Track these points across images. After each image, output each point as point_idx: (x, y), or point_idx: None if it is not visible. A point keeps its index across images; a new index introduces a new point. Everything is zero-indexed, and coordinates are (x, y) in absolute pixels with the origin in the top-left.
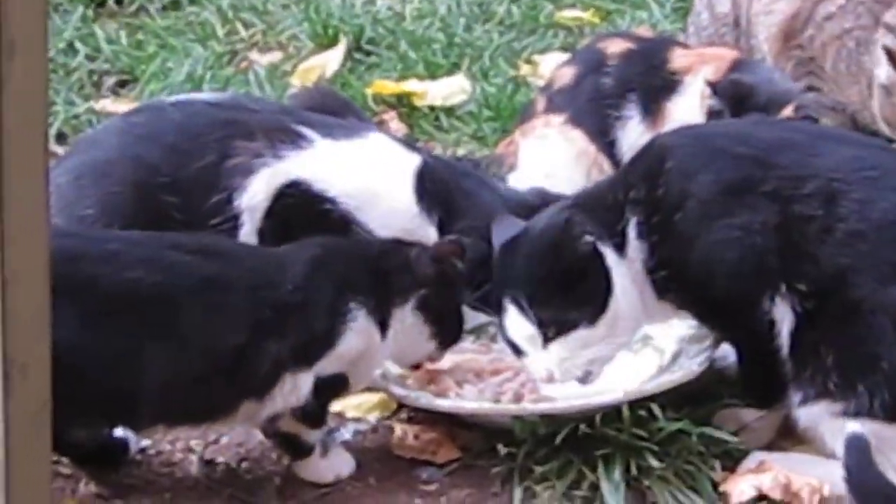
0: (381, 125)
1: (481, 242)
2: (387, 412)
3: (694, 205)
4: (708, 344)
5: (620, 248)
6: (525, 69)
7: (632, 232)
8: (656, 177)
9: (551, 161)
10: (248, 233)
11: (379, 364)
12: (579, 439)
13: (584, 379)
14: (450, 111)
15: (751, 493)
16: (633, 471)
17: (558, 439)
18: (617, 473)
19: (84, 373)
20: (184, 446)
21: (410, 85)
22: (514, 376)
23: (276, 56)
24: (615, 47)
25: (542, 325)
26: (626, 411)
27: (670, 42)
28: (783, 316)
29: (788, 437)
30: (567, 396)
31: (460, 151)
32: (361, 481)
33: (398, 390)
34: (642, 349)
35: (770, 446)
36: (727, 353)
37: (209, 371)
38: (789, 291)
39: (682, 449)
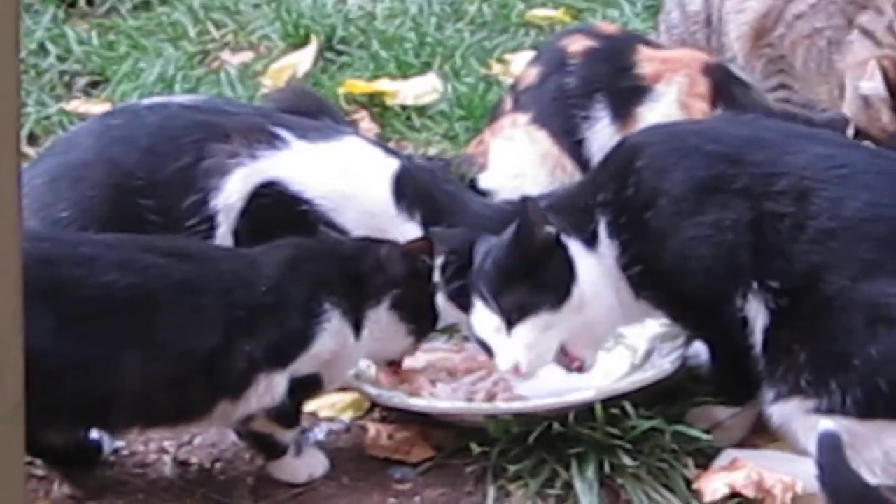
0: (353, 124)
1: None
2: (360, 412)
3: (665, 203)
4: (680, 342)
5: (590, 243)
6: (496, 68)
7: (602, 231)
8: (626, 176)
9: (519, 161)
10: (224, 233)
11: (353, 364)
12: (553, 438)
13: (581, 369)
14: (421, 110)
15: (724, 491)
16: (607, 469)
17: (531, 438)
18: (590, 472)
19: (58, 376)
20: (157, 447)
21: (382, 84)
22: (488, 375)
23: (247, 56)
24: (576, 45)
25: (504, 311)
26: (598, 410)
27: (633, 40)
28: (756, 313)
29: (761, 434)
30: (540, 395)
31: (432, 151)
32: (335, 481)
33: (371, 390)
34: (615, 347)
35: (743, 444)
36: (699, 351)
37: (184, 373)
38: (762, 289)
39: (656, 447)
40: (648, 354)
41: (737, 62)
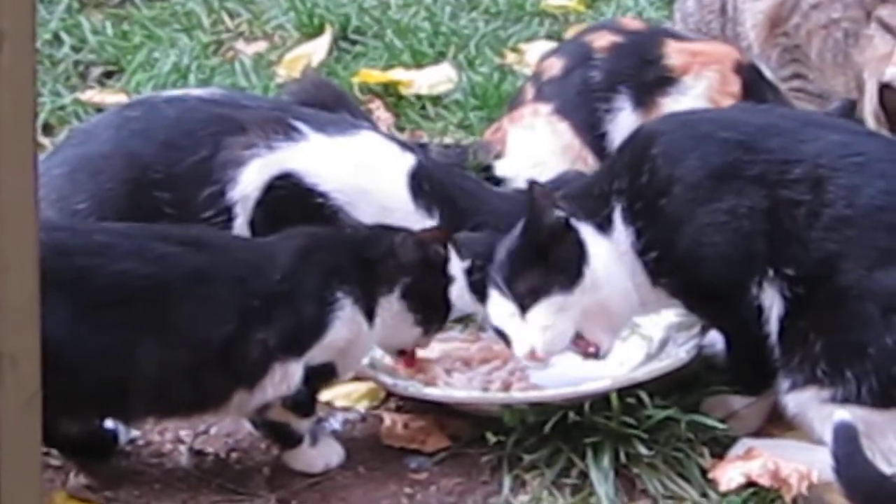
0: (368, 114)
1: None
2: (376, 401)
3: (680, 190)
4: (696, 331)
5: (603, 228)
6: (511, 57)
7: (618, 217)
8: (641, 163)
9: (539, 151)
10: (241, 224)
11: (367, 352)
12: (568, 427)
13: (598, 355)
14: (436, 100)
15: (739, 480)
16: (622, 458)
17: (547, 427)
18: (606, 461)
19: (74, 365)
20: (173, 437)
21: (396, 74)
22: (503, 365)
23: (261, 46)
24: (602, 41)
25: (518, 296)
26: (614, 399)
27: (660, 34)
28: (771, 302)
29: (777, 423)
30: (556, 384)
31: (447, 140)
32: (351, 471)
33: (387, 379)
34: (630, 336)
35: (758, 433)
36: (715, 340)
37: (200, 362)
38: (777, 276)
39: (671, 436)
40: (664, 344)
41: (752, 51)
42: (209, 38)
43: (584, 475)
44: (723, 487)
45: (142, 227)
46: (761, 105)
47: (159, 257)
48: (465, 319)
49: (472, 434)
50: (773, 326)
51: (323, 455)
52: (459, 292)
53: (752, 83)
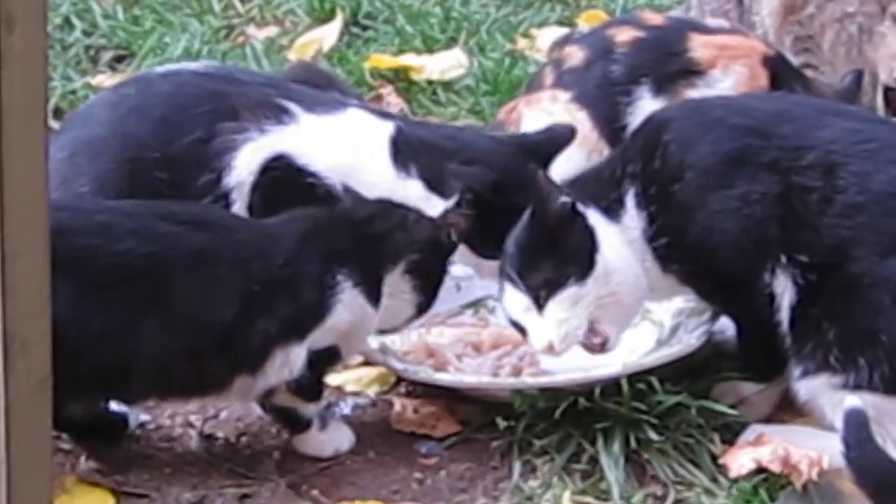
0: (379, 99)
1: (486, 171)
2: (386, 386)
3: (692, 176)
4: (706, 318)
5: (612, 214)
6: (522, 43)
7: (629, 202)
8: (654, 149)
9: None
10: (239, 209)
11: (371, 333)
12: (578, 413)
13: (604, 347)
14: (447, 85)
15: (750, 466)
16: (633, 444)
17: (557, 413)
18: (616, 447)
19: (76, 346)
20: (183, 421)
21: (407, 59)
22: (514, 350)
23: (272, 31)
24: (624, 35)
25: (533, 290)
26: (625, 385)
27: (683, 27)
28: (783, 289)
29: (787, 409)
30: (567, 370)
31: (459, 125)
32: (361, 455)
33: (397, 364)
34: (641, 323)
35: (769, 419)
36: (726, 326)
37: (200, 344)
38: (790, 263)
39: (682, 422)
40: (674, 330)
41: (767, 38)
42: (220, 23)
43: (594, 460)
44: (733, 473)
45: (146, 204)
46: (774, 92)
47: (161, 236)
48: (476, 305)
49: (483, 419)
50: (784, 313)
51: (333, 440)
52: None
53: (780, 75)
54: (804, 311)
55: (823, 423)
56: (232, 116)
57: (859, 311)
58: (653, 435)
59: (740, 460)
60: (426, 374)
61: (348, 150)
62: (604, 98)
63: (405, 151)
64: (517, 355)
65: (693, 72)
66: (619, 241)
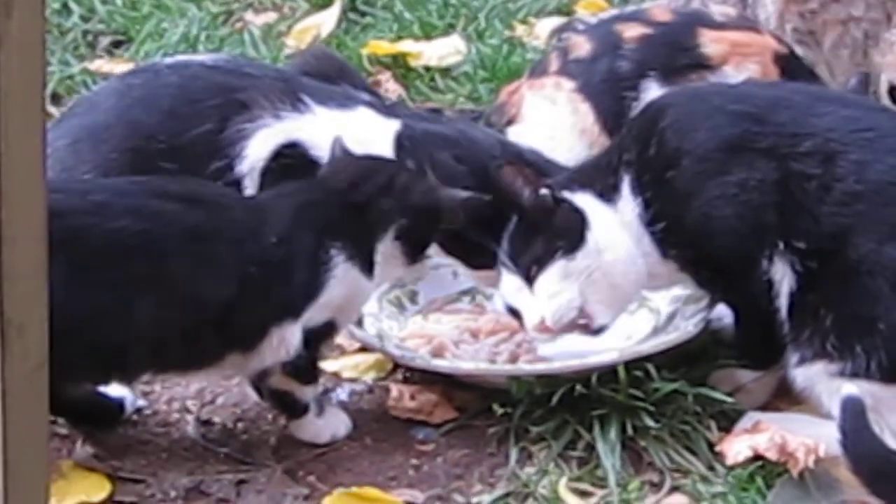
0: (377, 86)
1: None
2: (383, 373)
3: (689, 162)
4: (704, 305)
5: (607, 197)
6: (520, 30)
7: (625, 188)
8: (650, 136)
9: (556, 125)
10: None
11: (367, 300)
12: (575, 400)
13: (599, 331)
14: (445, 72)
15: (746, 454)
16: (629, 431)
17: (554, 400)
18: (613, 434)
19: (73, 325)
20: (180, 407)
21: (405, 45)
22: (511, 337)
23: (270, 17)
24: (631, 31)
25: (523, 269)
26: (621, 372)
27: (692, 23)
28: (782, 276)
29: (784, 397)
30: (563, 357)
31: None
32: (357, 441)
33: (394, 350)
34: (638, 310)
35: (766, 407)
36: (723, 313)
37: (194, 321)
38: (788, 250)
39: (678, 409)
40: (671, 317)
41: (769, 26)
42: (218, 9)
43: (590, 447)
44: (729, 461)
45: (141, 181)
46: (773, 80)
47: (155, 214)
48: (474, 292)
49: (479, 406)
50: (782, 301)
51: (330, 426)
52: None
53: (791, 73)
54: (802, 298)
55: (820, 410)
56: (244, 105)
57: (857, 298)
58: (649, 422)
59: (737, 448)
60: (423, 360)
61: (356, 148)
62: (608, 92)
63: (407, 147)
64: (514, 342)
65: (704, 66)
66: (613, 220)
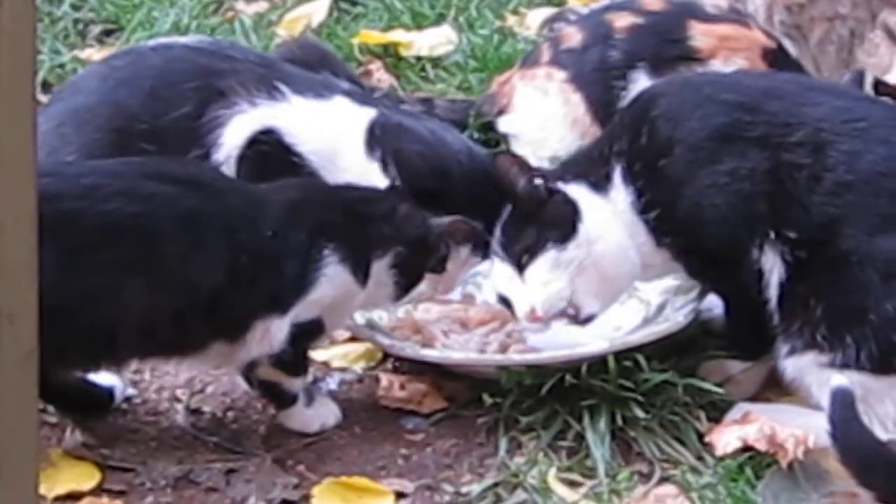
0: (368, 75)
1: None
2: (372, 362)
3: (681, 151)
4: (694, 296)
5: (599, 187)
6: (511, 20)
7: (616, 177)
8: (641, 125)
9: (547, 115)
10: None
11: (355, 309)
12: (565, 390)
13: (586, 321)
14: (436, 62)
15: (736, 444)
16: (619, 421)
17: (544, 390)
18: (602, 424)
19: (63, 310)
20: (169, 396)
21: (396, 35)
22: (501, 327)
23: (262, 6)
24: (622, 21)
25: (514, 258)
26: (611, 362)
27: (682, 14)
28: (772, 266)
29: (774, 388)
30: (553, 347)
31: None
32: (347, 431)
33: (384, 340)
34: (628, 300)
35: (755, 398)
36: (713, 304)
37: (183, 307)
38: (778, 239)
39: (668, 400)
40: (661, 307)
41: (758, 18)
42: None
43: (580, 438)
44: (719, 451)
45: (135, 163)
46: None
47: (149, 197)
48: (463, 282)
49: (469, 396)
50: (772, 291)
51: (319, 415)
52: None
53: (780, 67)
54: (792, 288)
55: (810, 401)
56: (221, 93)
57: (847, 288)
58: (639, 412)
59: (726, 438)
60: (413, 350)
61: (331, 137)
62: (599, 82)
63: (377, 136)
64: (504, 332)
65: (693, 59)
66: (605, 211)
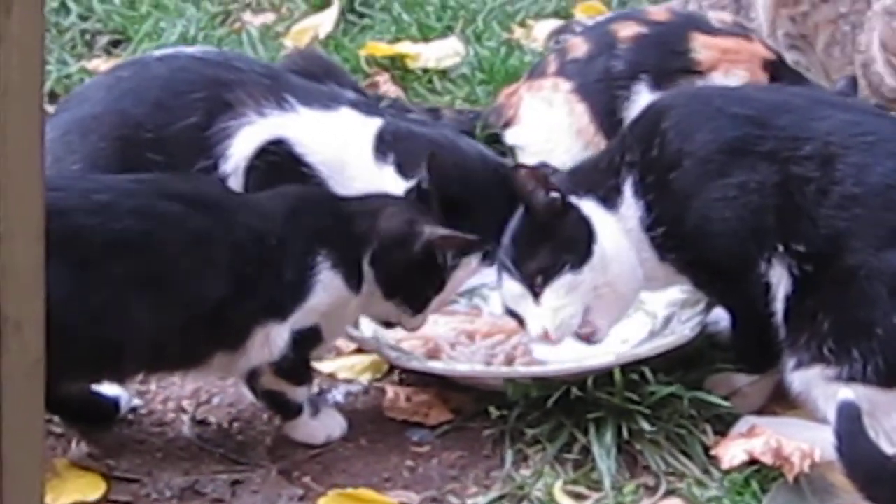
0: (375, 87)
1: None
2: (378, 374)
3: (690, 164)
4: (700, 308)
5: (609, 203)
6: (519, 32)
7: (627, 190)
8: (652, 137)
9: (553, 126)
10: None
11: (353, 318)
12: (571, 402)
13: (591, 338)
14: (443, 74)
15: (742, 458)
16: (625, 434)
17: (550, 402)
18: (608, 437)
19: (73, 324)
20: (175, 406)
21: (404, 47)
22: (507, 339)
23: (269, 17)
24: (626, 31)
25: (528, 278)
26: (617, 375)
27: (687, 26)
28: (779, 279)
29: (780, 401)
30: (559, 360)
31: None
32: (353, 442)
33: (390, 352)
34: (634, 313)
35: (762, 411)
36: (719, 317)
37: (188, 321)
38: (786, 253)
39: (674, 413)
40: (668, 320)
41: (762, 33)
42: (216, 9)
43: (586, 450)
44: (725, 465)
45: (149, 180)
46: (773, 84)
47: (160, 216)
48: (470, 293)
49: (475, 408)
50: (779, 304)
51: (325, 426)
52: None
53: (780, 78)
54: (799, 301)
55: (816, 415)
56: (229, 104)
57: (855, 302)
58: (645, 425)
59: (732, 452)
60: (419, 361)
61: (338, 148)
62: (603, 92)
63: (387, 141)
64: (510, 344)
65: (694, 72)
66: (617, 230)
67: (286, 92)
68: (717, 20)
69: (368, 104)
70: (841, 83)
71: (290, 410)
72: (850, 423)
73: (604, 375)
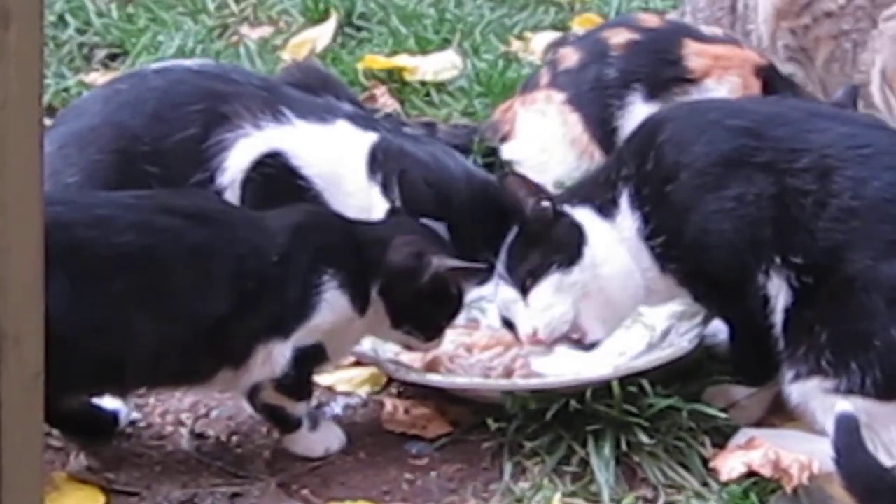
0: (372, 100)
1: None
2: (377, 387)
3: (687, 176)
4: (698, 321)
5: (605, 212)
6: (516, 45)
7: (623, 202)
8: (648, 150)
9: (547, 137)
10: None
11: (358, 339)
12: (569, 415)
13: (591, 346)
14: (440, 86)
15: (740, 470)
16: (623, 447)
17: (548, 415)
18: (607, 449)
19: (73, 338)
20: (174, 420)
21: (401, 60)
22: (505, 351)
23: (266, 31)
24: (619, 38)
25: (519, 280)
26: (616, 387)
27: (679, 33)
28: (777, 291)
29: (778, 413)
30: (558, 372)
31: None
32: (351, 455)
33: (389, 365)
34: (633, 325)
35: (760, 423)
36: (717, 329)
37: (191, 337)
38: (784, 265)
39: (672, 425)
40: (666, 333)
41: (762, 45)
42: (214, 22)
43: (584, 463)
44: (723, 477)
45: (149, 196)
46: (770, 97)
47: (160, 231)
48: (468, 306)
49: (474, 420)
50: (777, 317)
51: (323, 439)
52: None
53: (772, 84)
54: (797, 313)
55: (815, 427)
56: (225, 116)
57: (852, 314)
58: (643, 438)
59: (731, 464)
60: (417, 374)
61: (334, 161)
62: (596, 100)
63: (380, 159)
64: (509, 357)
65: (687, 80)
66: (611, 236)
67: (283, 104)
68: (710, 32)
69: (365, 117)
70: (839, 93)
71: (289, 424)
72: (848, 436)
73: (602, 388)
